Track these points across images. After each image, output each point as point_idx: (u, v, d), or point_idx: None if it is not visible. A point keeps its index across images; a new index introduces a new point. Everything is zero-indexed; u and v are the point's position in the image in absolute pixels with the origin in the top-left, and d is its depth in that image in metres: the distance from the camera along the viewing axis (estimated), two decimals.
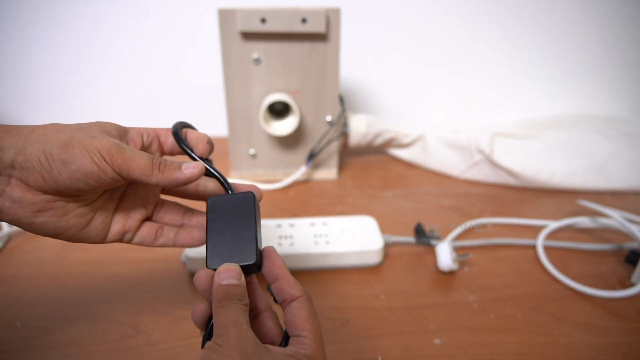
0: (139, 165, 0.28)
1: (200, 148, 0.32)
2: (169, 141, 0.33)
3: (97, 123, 0.30)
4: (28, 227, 0.28)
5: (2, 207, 0.27)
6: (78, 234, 0.31)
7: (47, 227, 0.29)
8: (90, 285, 0.45)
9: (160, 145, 0.33)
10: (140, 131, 0.32)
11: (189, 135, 0.33)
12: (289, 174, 0.69)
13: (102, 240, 0.33)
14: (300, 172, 0.67)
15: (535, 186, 0.68)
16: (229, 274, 0.27)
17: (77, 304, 0.43)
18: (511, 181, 0.68)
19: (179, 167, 0.29)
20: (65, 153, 0.26)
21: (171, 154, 0.34)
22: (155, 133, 0.33)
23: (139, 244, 0.34)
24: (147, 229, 0.34)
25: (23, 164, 0.26)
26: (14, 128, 0.27)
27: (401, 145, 0.76)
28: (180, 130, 0.33)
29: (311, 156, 0.67)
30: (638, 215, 0.57)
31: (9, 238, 0.53)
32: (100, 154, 0.27)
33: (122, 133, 0.31)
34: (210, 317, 0.28)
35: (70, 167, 0.26)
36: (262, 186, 0.65)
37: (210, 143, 0.33)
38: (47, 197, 0.28)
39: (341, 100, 0.65)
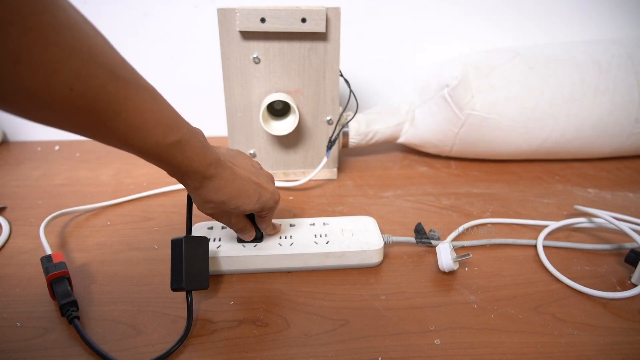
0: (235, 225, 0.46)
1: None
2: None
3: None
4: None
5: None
6: None
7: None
8: (90, 285, 0.45)
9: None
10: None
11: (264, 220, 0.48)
12: (289, 174, 0.69)
13: None
14: (322, 164, 0.66)
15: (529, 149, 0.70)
16: None
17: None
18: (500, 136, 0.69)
19: (246, 235, 0.48)
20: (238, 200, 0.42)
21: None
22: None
23: None
24: None
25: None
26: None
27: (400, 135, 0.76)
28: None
29: (330, 145, 0.66)
30: (628, 215, 0.58)
31: (9, 238, 0.53)
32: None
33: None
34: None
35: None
36: (284, 184, 0.66)
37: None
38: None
39: (347, 84, 0.65)
